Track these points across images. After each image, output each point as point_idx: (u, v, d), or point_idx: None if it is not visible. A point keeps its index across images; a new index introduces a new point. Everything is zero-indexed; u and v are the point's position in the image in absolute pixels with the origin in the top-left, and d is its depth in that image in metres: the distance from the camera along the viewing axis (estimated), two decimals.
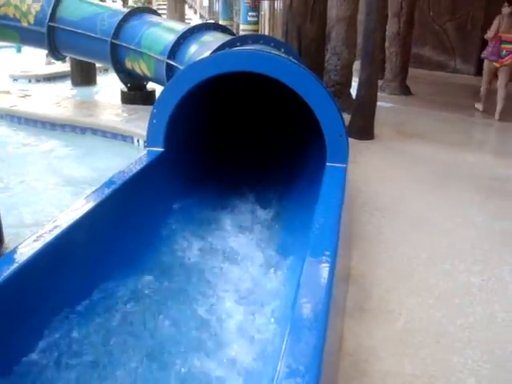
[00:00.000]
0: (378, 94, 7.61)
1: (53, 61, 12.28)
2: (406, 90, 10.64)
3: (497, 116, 8.57)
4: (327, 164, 3.52)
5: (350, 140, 3.82)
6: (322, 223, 2.75)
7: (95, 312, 2.74)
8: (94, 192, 3.11)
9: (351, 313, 3.06)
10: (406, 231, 4.25)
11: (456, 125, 8.32)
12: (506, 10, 8.31)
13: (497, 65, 8.56)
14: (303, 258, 2.39)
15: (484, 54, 8.78)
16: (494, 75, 8.78)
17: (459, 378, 2.59)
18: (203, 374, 2.43)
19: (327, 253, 2.43)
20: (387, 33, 10.34)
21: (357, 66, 7.80)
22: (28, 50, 13.74)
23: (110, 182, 3.22)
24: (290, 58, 3.94)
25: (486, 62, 8.88)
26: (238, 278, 3.29)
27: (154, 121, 3.73)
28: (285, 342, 1.82)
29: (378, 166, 6.01)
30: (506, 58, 8.39)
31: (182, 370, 2.44)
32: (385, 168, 5.93)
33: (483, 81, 9.01)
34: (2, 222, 3.82)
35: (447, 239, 4.13)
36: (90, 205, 2.92)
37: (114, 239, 3.11)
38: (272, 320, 2.77)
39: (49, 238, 2.49)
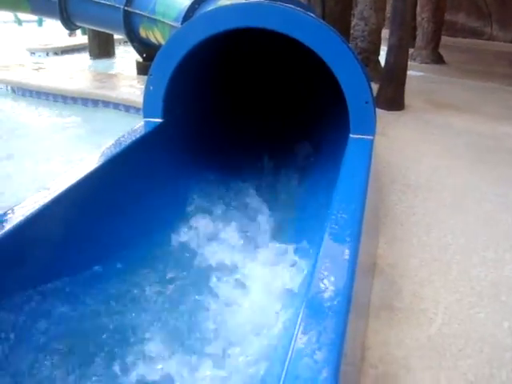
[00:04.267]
0: (409, 62, 7.05)
1: (76, 33, 11.97)
2: (438, 59, 10.02)
3: None
4: (351, 136, 3.02)
5: (378, 111, 3.33)
6: (343, 206, 2.27)
7: None
8: (79, 166, 2.73)
9: (377, 312, 2.58)
10: (441, 213, 3.73)
11: (492, 95, 7.69)
12: None
13: None
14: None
15: None
16: None
17: None
18: None
19: (348, 239, 1.98)
20: None
21: (386, 34, 7.21)
22: (50, 23, 13.44)
23: (97, 157, 2.80)
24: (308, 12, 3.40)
25: None
26: None
27: (151, 87, 3.27)
28: (289, 354, 1.42)
29: (409, 138, 5.48)
30: None
31: None
32: (416, 141, 5.39)
33: None
34: None
35: (488, 223, 3.60)
36: (74, 179, 2.55)
37: (100, 217, 2.70)
38: None
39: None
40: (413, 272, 2.96)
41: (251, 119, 4.39)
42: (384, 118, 5.74)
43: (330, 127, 3.97)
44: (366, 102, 2.99)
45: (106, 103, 7.30)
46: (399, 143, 5.25)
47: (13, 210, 2.25)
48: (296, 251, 2.88)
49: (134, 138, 3.07)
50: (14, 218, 2.19)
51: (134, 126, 3.24)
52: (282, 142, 4.22)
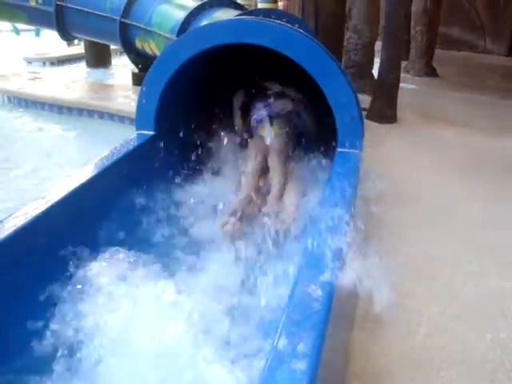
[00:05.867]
0: (402, 75, 7.12)
1: (75, 43, 11.99)
2: (431, 72, 10.07)
3: None
4: (338, 150, 3.08)
5: (370, 124, 3.40)
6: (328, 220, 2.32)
7: None
8: (72, 177, 2.79)
9: (362, 323, 2.63)
10: (429, 226, 3.79)
11: (485, 108, 7.74)
12: None
13: None
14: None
15: None
16: None
17: None
18: None
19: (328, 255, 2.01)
20: (413, 10, 9.71)
21: (379, 46, 7.28)
22: (47, 33, 13.48)
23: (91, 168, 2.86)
24: (298, 29, 3.47)
25: None
26: None
27: (144, 100, 3.33)
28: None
29: (400, 151, 5.53)
30: None
31: None
32: (408, 154, 5.45)
33: None
34: None
35: (476, 237, 3.65)
36: (67, 190, 2.63)
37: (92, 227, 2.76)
38: None
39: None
40: (397, 284, 3.01)
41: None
42: (376, 130, 5.80)
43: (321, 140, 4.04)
44: (353, 118, 3.05)
45: (101, 113, 7.34)
46: (390, 156, 5.29)
47: (3, 221, 2.30)
48: None
49: (126, 150, 3.13)
50: (7, 228, 2.23)
51: (127, 138, 3.29)
52: None
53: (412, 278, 3.08)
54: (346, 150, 3.06)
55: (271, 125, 3.71)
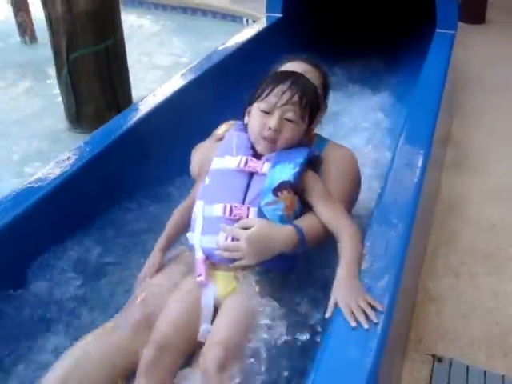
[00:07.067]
0: None
1: None
2: None
3: None
4: (437, 30, 3.63)
5: (459, 24, 3.83)
6: (425, 88, 2.96)
7: None
8: (202, 60, 3.40)
9: (448, 168, 3.33)
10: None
11: None
12: None
13: None
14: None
15: None
16: None
17: None
18: None
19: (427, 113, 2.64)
20: None
21: None
22: None
23: (214, 53, 3.49)
24: None
25: None
26: None
27: None
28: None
29: (487, 49, 5.84)
30: None
31: None
32: (494, 51, 5.77)
33: None
34: None
35: None
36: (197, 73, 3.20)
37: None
38: None
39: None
40: (480, 144, 3.66)
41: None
42: (464, 30, 6.08)
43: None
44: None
45: (205, 12, 7.94)
46: (477, 52, 5.63)
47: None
48: None
49: (256, 31, 3.76)
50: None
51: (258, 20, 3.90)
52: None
53: (493, 141, 3.72)
54: (444, 30, 3.61)
55: None
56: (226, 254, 1.65)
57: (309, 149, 1.80)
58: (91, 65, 3.91)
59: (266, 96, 1.73)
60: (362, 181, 2.05)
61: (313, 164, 1.80)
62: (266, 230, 1.63)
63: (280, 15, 3.93)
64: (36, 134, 4.10)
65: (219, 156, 1.78)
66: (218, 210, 1.69)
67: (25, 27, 6.43)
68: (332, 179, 1.86)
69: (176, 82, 3.06)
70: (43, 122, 4.36)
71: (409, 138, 2.32)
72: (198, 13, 8.02)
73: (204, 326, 1.64)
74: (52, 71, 4.35)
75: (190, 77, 3.13)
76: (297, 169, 1.69)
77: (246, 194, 1.70)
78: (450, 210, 2.92)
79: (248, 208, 1.67)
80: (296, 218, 1.71)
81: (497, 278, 2.45)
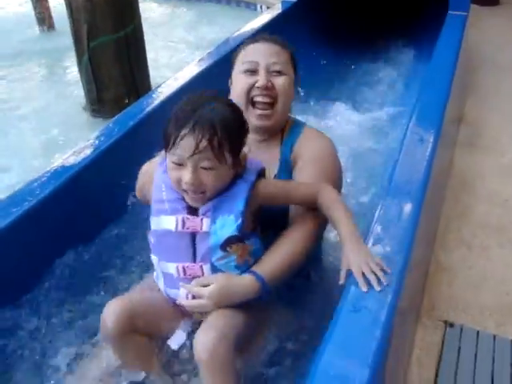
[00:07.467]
0: None
1: None
2: None
3: None
4: (449, 12, 3.69)
5: (472, 6, 3.88)
6: (436, 69, 3.03)
7: None
8: (219, 46, 3.47)
9: (461, 146, 3.40)
10: None
11: None
12: None
13: None
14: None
15: None
16: None
17: None
18: None
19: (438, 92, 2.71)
20: None
21: None
22: None
23: (230, 39, 3.58)
24: None
25: None
26: None
27: None
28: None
29: (500, 30, 5.85)
30: None
31: None
32: (509, 34, 5.77)
33: None
34: None
35: None
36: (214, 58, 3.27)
37: None
38: None
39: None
40: (493, 124, 3.72)
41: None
42: (478, 12, 6.10)
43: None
44: None
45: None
46: (490, 34, 5.65)
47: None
48: None
49: (271, 17, 3.85)
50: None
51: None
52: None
53: (506, 121, 3.77)
54: (456, 12, 3.67)
55: None
56: (193, 309, 1.62)
57: (250, 181, 1.58)
58: (111, 52, 4.03)
59: (172, 147, 1.47)
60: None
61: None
62: (226, 283, 1.55)
63: (295, 0, 4.01)
64: (57, 119, 4.31)
65: (155, 215, 1.61)
66: (172, 269, 1.60)
67: (43, 17, 6.58)
68: (307, 177, 1.75)
69: (193, 68, 3.14)
70: (61, 107, 4.56)
71: (420, 116, 2.40)
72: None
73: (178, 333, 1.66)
74: (72, 59, 4.50)
75: (207, 63, 3.20)
76: (239, 221, 1.53)
77: (194, 252, 1.58)
78: (463, 187, 3.00)
79: (201, 266, 1.57)
80: (257, 256, 1.61)
81: (509, 251, 2.54)
